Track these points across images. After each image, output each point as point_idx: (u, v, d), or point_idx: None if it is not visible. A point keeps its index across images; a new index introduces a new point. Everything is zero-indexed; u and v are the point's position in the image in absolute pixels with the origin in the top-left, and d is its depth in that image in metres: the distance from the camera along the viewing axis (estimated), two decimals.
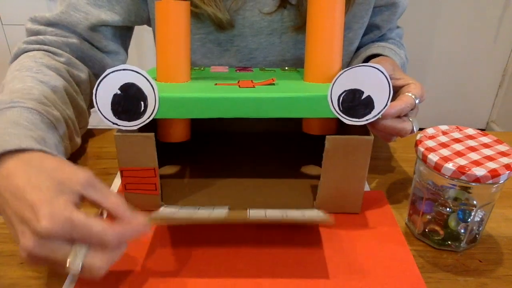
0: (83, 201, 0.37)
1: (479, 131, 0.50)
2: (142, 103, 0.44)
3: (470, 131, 0.50)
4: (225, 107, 0.44)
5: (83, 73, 0.62)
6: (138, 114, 0.44)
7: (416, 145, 0.47)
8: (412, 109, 0.51)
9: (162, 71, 0.51)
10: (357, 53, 0.70)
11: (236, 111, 0.45)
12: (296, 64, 0.67)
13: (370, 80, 0.44)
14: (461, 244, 0.47)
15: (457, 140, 0.48)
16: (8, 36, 1.82)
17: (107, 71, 0.42)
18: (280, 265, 0.44)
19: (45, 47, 0.59)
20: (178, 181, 0.56)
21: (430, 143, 0.47)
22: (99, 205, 0.37)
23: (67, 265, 0.33)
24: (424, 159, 0.45)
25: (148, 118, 0.45)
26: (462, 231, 0.47)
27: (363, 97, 0.44)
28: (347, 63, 0.71)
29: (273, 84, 0.49)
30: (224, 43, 0.65)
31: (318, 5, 0.49)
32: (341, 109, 0.45)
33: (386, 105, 0.45)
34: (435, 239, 0.48)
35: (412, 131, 0.50)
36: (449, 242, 0.47)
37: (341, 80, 0.44)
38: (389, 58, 0.61)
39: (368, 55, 0.66)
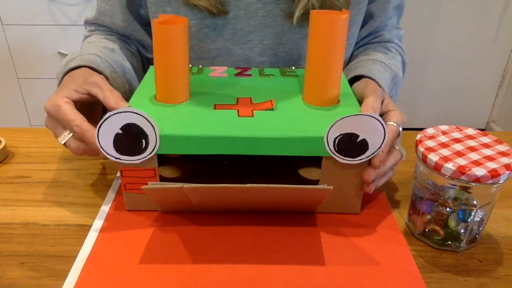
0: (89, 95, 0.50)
1: (479, 131, 0.50)
2: (143, 140, 0.45)
3: (470, 131, 0.50)
4: (225, 145, 0.46)
5: (132, 44, 0.73)
6: (140, 151, 0.46)
7: (416, 145, 0.47)
8: (397, 137, 0.51)
9: (161, 91, 0.52)
10: (348, 66, 0.70)
11: (235, 149, 0.46)
12: (293, 49, 0.68)
13: (367, 126, 0.45)
14: (461, 244, 0.47)
15: (457, 140, 0.48)
16: (8, 36, 1.82)
17: (108, 114, 0.43)
18: (279, 266, 0.44)
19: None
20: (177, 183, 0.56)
21: (430, 143, 0.47)
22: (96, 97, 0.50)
23: (58, 139, 0.49)
24: (424, 159, 0.45)
25: (150, 154, 0.46)
26: (462, 231, 0.47)
27: (358, 140, 0.46)
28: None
29: (272, 109, 0.51)
30: (220, 27, 0.66)
31: (320, 31, 0.49)
32: (336, 149, 0.46)
33: (380, 147, 0.46)
34: (435, 239, 0.48)
35: (401, 159, 0.52)
36: (449, 242, 0.47)
37: (338, 125, 0.45)
38: (372, 87, 0.57)
39: (356, 75, 0.64)
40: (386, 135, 0.45)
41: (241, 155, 0.47)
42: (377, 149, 0.46)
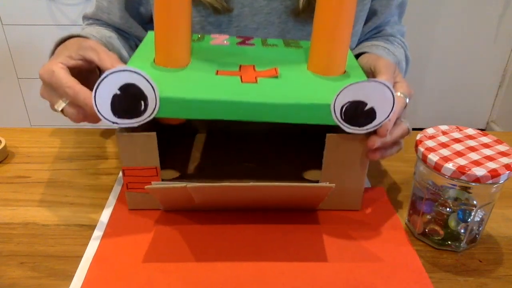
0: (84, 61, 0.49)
1: (479, 131, 0.50)
2: (142, 102, 0.43)
3: (470, 131, 0.50)
4: (227, 110, 0.44)
5: (130, 39, 0.73)
6: (138, 113, 0.44)
7: (416, 145, 0.47)
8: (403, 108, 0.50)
9: (161, 53, 0.49)
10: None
11: (237, 115, 0.44)
12: None
13: (376, 94, 0.44)
14: (461, 244, 0.47)
15: (457, 140, 0.48)
16: (8, 36, 1.82)
17: (106, 72, 0.42)
18: (283, 263, 0.44)
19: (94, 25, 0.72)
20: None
21: (430, 143, 0.47)
22: (93, 62, 0.48)
23: (55, 107, 0.48)
24: (424, 159, 0.45)
25: (149, 117, 0.44)
26: (462, 231, 0.47)
27: (366, 109, 0.44)
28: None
29: (276, 77, 0.49)
30: (224, 24, 0.66)
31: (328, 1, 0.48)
32: (343, 118, 0.45)
33: (388, 117, 0.45)
34: (435, 239, 0.48)
35: (408, 131, 0.50)
36: (449, 242, 0.47)
37: (346, 92, 0.43)
38: (385, 61, 0.57)
39: (360, 52, 0.65)
40: (394, 104, 0.44)
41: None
42: (385, 119, 0.45)
